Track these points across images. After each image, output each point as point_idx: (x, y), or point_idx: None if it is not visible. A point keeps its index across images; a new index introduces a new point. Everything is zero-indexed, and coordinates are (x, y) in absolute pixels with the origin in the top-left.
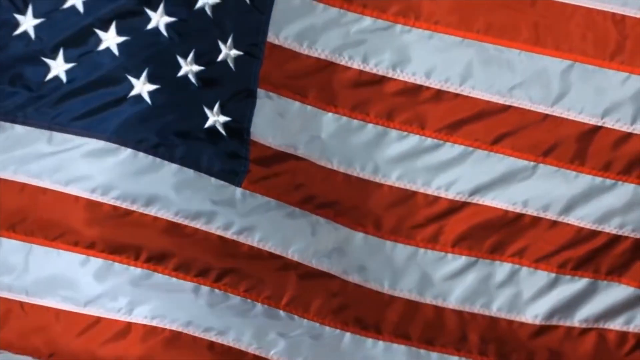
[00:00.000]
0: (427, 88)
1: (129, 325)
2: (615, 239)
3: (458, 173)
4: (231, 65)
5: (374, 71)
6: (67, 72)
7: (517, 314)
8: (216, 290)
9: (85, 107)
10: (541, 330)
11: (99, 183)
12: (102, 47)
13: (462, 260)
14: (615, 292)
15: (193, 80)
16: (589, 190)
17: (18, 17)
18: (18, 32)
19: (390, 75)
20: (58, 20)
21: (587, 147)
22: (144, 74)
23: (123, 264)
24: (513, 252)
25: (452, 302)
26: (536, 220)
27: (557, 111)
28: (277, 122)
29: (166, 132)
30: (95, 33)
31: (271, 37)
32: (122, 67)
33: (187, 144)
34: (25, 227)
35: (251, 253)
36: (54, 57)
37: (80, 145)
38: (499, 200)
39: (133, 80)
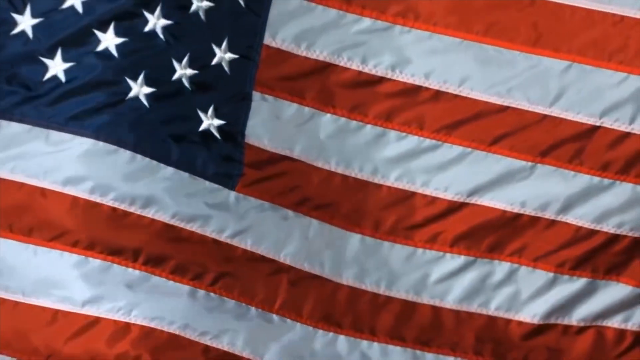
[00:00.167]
0: (426, 89)
1: (128, 326)
2: (614, 238)
3: (456, 173)
4: (226, 68)
5: (373, 72)
6: (66, 71)
7: (516, 314)
8: (212, 294)
9: (83, 106)
10: (539, 329)
11: (97, 184)
12: (100, 47)
13: (461, 259)
14: (613, 291)
15: (187, 84)
16: (587, 189)
17: (16, 16)
18: (16, 31)
19: (389, 76)
20: (57, 20)
21: (585, 147)
22: (141, 77)
23: (122, 266)
24: (512, 252)
25: (450, 301)
26: (534, 220)
27: (556, 111)
28: (273, 124)
29: (162, 135)
30: (94, 34)
31: (268, 39)
32: (120, 68)
33: (182, 147)
34: (23, 227)
35: (245, 256)
36: (51, 57)
37: (78, 145)
38: (498, 201)
39: (131, 82)
